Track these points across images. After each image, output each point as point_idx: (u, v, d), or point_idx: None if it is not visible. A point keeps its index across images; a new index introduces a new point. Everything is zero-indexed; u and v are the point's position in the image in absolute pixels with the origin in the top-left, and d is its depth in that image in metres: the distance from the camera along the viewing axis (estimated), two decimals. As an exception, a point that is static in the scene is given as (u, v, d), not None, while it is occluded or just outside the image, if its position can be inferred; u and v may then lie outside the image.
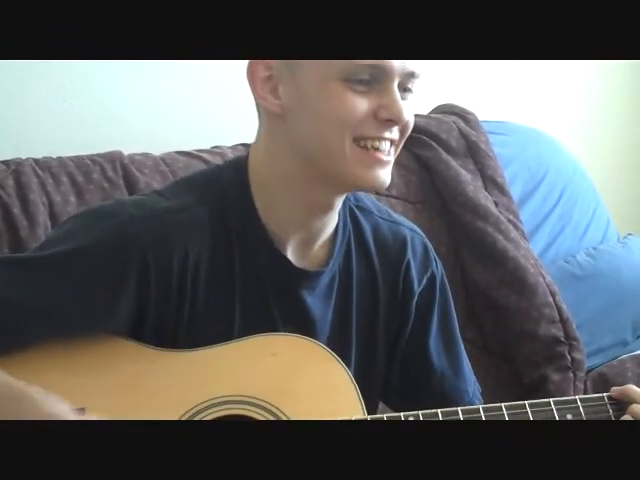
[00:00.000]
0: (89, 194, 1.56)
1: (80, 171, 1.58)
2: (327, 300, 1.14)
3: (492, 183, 1.92)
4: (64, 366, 1.03)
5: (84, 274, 1.02)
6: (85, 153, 1.63)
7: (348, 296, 1.16)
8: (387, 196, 1.82)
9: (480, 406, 1.05)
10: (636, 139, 2.63)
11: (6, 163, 1.55)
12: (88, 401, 1.01)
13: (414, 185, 1.88)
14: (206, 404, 1.03)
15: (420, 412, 1.03)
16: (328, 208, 1.10)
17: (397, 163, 1.85)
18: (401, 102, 1.03)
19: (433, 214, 1.87)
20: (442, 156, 1.89)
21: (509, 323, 1.79)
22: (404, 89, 1.04)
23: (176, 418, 1.02)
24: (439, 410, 1.03)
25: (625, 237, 2.17)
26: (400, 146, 1.08)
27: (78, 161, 1.60)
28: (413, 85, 1.05)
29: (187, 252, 1.05)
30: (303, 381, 1.06)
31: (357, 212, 1.19)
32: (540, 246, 1.98)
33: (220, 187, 1.10)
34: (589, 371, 1.81)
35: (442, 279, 1.24)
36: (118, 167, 1.62)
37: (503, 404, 1.04)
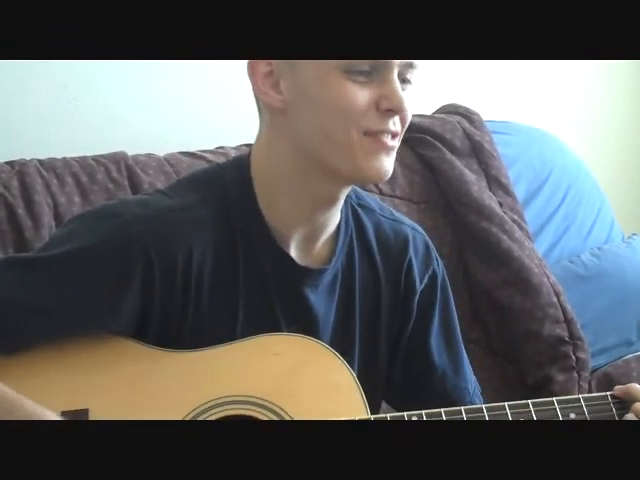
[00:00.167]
0: (93, 195, 1.57)
1: (84, 172, 1.59)
2: (330, 298, 1.15)
3: (496, 183, 1.92)
4: (68, 366, 1.04)
5: (88, 274, 1.03)
6: (89, 154, 1.64)
7: (351, 294, 1.16)
8: (391, 196, 1.83)
9: (483, 405, 1.05)
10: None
11: (11, 164, 1.55)
12: (91, 401, 1.01)
13: (418, 185, 1.88)
14: (209, 404, 1.03)
15: (423, 412, 1.03)
16: (331, 203, 1.10)
17: (401, 163, 1.87)
18: (401, 91, 1.03)
19: (437, 214, 1.86)
20: (446, 156, 1.89)
21: (513, 323, 1.79)
22: (403, 80, 1.04)
23: (179, 418, 1.02)
24: (442, 410, 1.03)
25: (630, 237, 2.16)
26: (401, 138, 1.08)
27: (82, 162, 1.61)
28: (412, 76, 1.06)
29: (191, 251, 1.05)
30: (306, 381, 1.06)
31: (359, 210, 1.19)
32: (544, 246, 1.98)
33: (222, 186, 1.10)
34: (594, 371, 1.80)
35: (443, 278, 1.24)
36: (122, 168, 1.62)
37: (506, 403, 1.04)
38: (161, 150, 1.71)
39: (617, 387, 1.09)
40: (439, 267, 1.24)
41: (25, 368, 1.01)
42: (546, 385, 1.73)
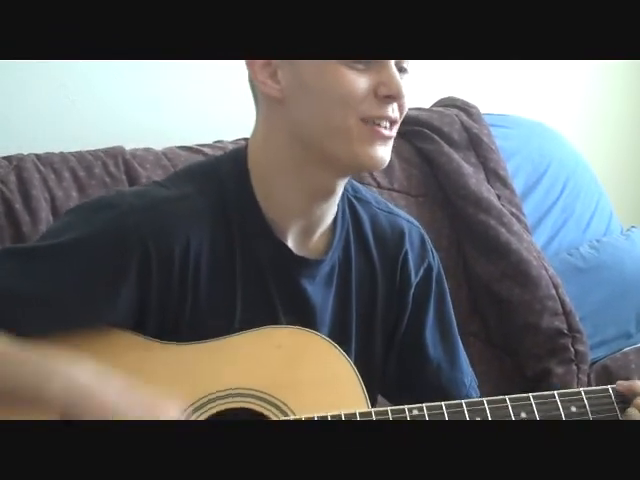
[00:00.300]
0: (91, 189, 1.56)
1: (82, 166, 1.59)
2: (327, 289, 1.15)
3: (494, 176, 1.92)
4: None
5: (85, 264, 1.02)
6: (87, 149, 1.63)
7: (348, 286, 1.16)
8: (389, 189, 1.83)
9: (484, 399, 1.05)
10: (638, 132, 2.63)
11: (8, 159, 1.55)
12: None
13: (416, 178, 1.88)
14: (209, 397, 1.03)
15: (424, 405, 1.03)
16: (328, 195, 1.10)
17: (399, 156, 1.87)
18: (399, 78, 1.03)
19: (435, 207, 1.86)
20: (444, 149, 1.89)
21: (512, 316, 1.79)
22: (400, 68, 1.05)
23: (179, 411, 1.02)
24: (443, 403, 1.04)
25: (628, 229, 2.16)
26: (397, 127, 1.08)
27: (80, 156, 1.61)
28: (408, 65, 1.06)
29: (188, 242, 1.05)
30: (307, 373, 1.06)
31: (355, 203, 1.20)
32: (543, 239, 1.98)
33: (219, 178, 1.10)
34: (592, 364, 1.80)
35: (439, 270, 1.24)
36: (120, 162, 1.62)
37: (507, 397, 1.04)
38: (159, 144, 1.71)
39: (620, 383, 1.09)
40: (434, 260, 1.24)
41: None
42: (545, 378, 1.73)
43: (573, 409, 1.05)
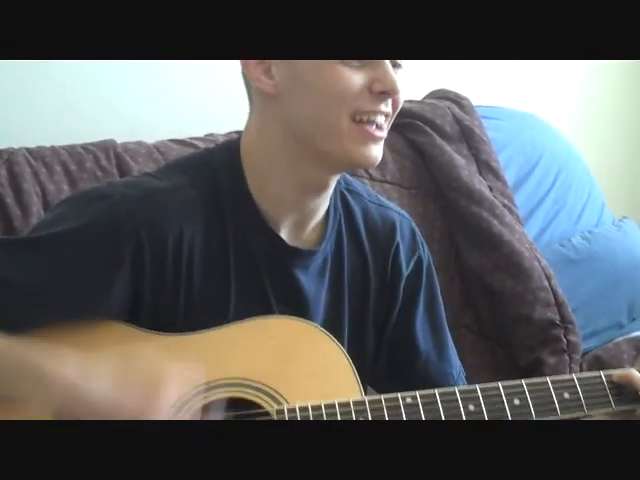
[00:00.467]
0: (82, 183, 1.56)
1: (73, 160, 1.58)
2: (320, 280, 1.15)
3: (486, 168, 1.92)
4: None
5: (78, 255, 1.02)
6: (78, 142, 1.63)
7: (340, 278, 1.16)
8: (381, 181, 1.83)
9: (478, 386, 1.05)
10: (630, 123, 2.63)
11: (-1, 153, 1.55)
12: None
13: (408, 170, 1.88)
14: (205, 386, 1.02)
15: (417, 392, 1.03)
16: (321, 189, 1.10)
17: (391, 149, 1.87)
18: (394, 74, 1.04)
19: (427, 199, 1.87)
20: (436, 141, 1.89)
21: (505, 307, 1.79)
22: (394, 64, 1.05)
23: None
24: (436, 390, 1.04)
25: (620, 220, 2.17)
26: (391, 121, 1.08)
27: (71, 150, 1.60)
28: (402, 60, 1.06)
29: (182, 232, 1.05)
30: (301, 363, 1.06)
31: (347, 195, 1.20)
32: (535, 230, 1.98)
33: (212, 169, 1.10)
34: (584, 354, 1.81)
35: (429, 263, 1.25)
36: (111, 156, 1.62)
37: (500, 383, 1.05)
38: (150, 138, 1.71)
39: (616, 372, 1.09)
40: (425, 252, 1.25)
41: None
42: (537, 368, 1.74)
43: (566, 395, 1.06)
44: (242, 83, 1.11)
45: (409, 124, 1.90)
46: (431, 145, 1.89)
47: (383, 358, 1.22)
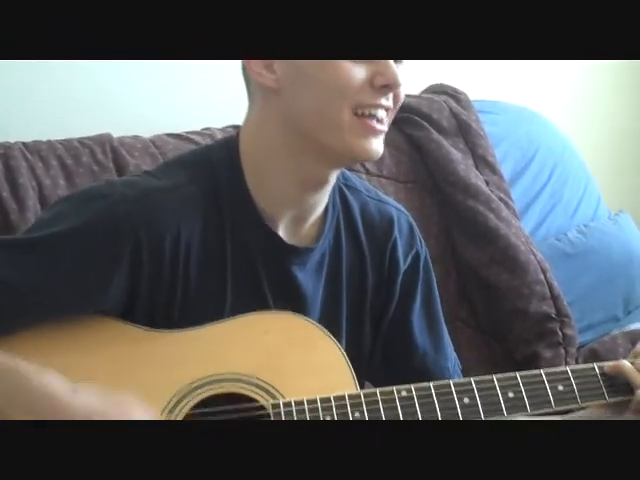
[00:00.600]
0: (79, 177, 1.56)
1: (69, 154, 1.58)
2: (318, 277, 1.15)
3: (483, 162, 1.92)
4: (55, 347, 1.03)
5: (77, 254, 1.02)
6: (74, 136, 1.63)
7: (338, 274, 1.16)
8: (378, 176, 1.83)
9: (472, 378, 1.05)
10: (626, 118, 2.64)
11: (-6, 147, 1.54)
12: (79, 381, 1.00)
13: (405, 165, 1.88)
14: (199, 382, 1.03)
15: (413, 386, 1.04)
16: (320, 185, 1.10)
17: (388, 143, 1.85)
18: (395, 68, 1.04)
19: (424, 194, 1.87)
20: (433, 136, 1.89)
21: (501, 301, 1.80)
22: None
23: (169, 397, 1.02)
24: (431, 383, 1.04)
25: (616, 214, 2.17)
26: (393, 116, 1.08)
27: (67, 144, 1.60)
28: None
29: (179, 231, 1.05)
30: (297, 358, 1.06)
31: (346, 191, 1.20)
32: (531, 224, 1.99)
33: (210, 166, 1.10)
34: (580, 347, 1.82)
35: (426, 258, 1.25)
36: (108, 150, 1.61)
37: (494, 376, 1.05)
38: (147, 132, 1.70)
39: (607, 364, 1.10)
40: (422, 247, 1.25)
41: (12, 350, 1.01)
42: (533, 362, 1.74)
43: (560, 387, 1.06)
44: (240, 77, 1.11)
45: (406, 118, 1.90)
46: (428, 139, 1.89)
47: (379, 353, 1.22)
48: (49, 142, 1.59)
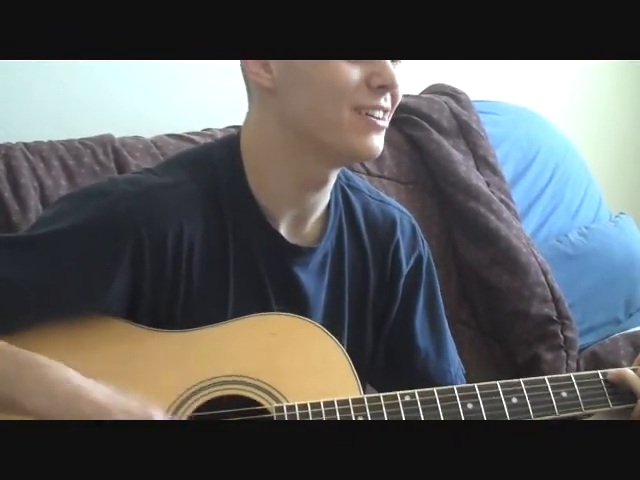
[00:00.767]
0: (80, 178, 1.56)
1: (71, 155, 1.58)
2: (320, 277, 1.15)
3: (484, 163, 1.92)
4: (59, 347, 1.02)
5: (78, 252, 1.02)
6: (76, 137, 1.62)
7: (340, 274, 1.16)
8: (379, 177, 1.83)
9: (476, 385, 1.05)
10: (628, 118, 2.64)
11: (-4, 148, 1.54)
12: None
13: (406, 166, 1.88)
14: (202, 384, 1.03)
15: (416, 391, 1.04)
16: (321, 184, 1.10)
17: (389, 144, 1.87)
18: (392, 68, 1.03)
19: (425, 194, 1.87)
20: (434, 136, 1.89)
21: (501, 303, 1.79)
22: None
23: (173, 398, 1.02)
24: (435, 389, 1.04)
25: (617, 216, 2.17)
26: (391, 115, 1.08)
27: (69, 145, 1.60)
28: None
29: (182, 228, 1.05)
30: (300, 360, 1.06)
31: (348, 191, 1.20)
32: (532, 226, 1.98)
33: (211, 165, 1.10)
34: (581, 350, 1.81)
35: (429, 260, 1.25)
36: (109, 150, 1.61)
37: (498, 382, 1.05)
38: (148, 132, 1.70)
39: (610, 371, 1.10)
40: (425, 250, 1.25)
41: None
42: (534, 364, 1.74)
43: (564, 394, 1.06)
44: (240, 78, 1.11)
45: (406, 119, 1.90)
46: (428, 140, 1.89)
47: (381, 354, 1.22)
48: (50, 143, 1.59)
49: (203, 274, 1.07)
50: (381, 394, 1.04)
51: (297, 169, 1.08)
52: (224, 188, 1.09)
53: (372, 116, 1.04)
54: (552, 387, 1.06)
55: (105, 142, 1.62)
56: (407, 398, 1.03)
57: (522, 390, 1.05)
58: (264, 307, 1.10)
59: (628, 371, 1.09)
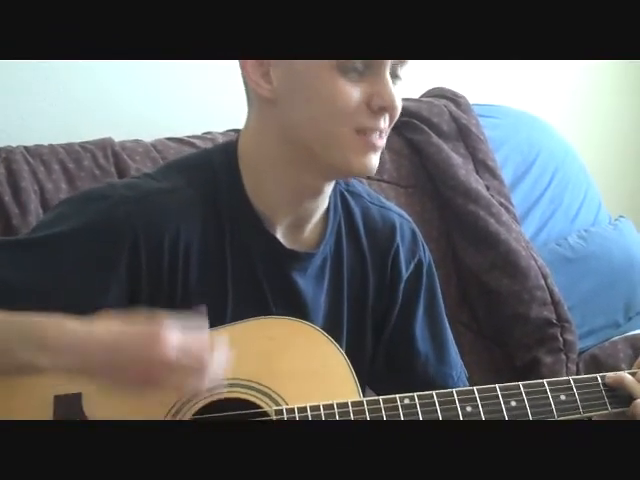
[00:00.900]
0: (80, 181, 1.56)
1: (71, 158, 1.58)
2: (319, 283, 1.15)
3: (483, 166, 1.92)
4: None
5: (77, 255, 1.03)
6: (76, 138, 1.63)
7: (339, 279, 1.17)
8: (378, 180, 1.83)
9: (475, 388, 1.06)
10: (627, 121, 2.64)
11: (-4, 151, 1.54)
12: (84, 385, 1.00)
13: (405, 169, 1.88)
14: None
15: (415, 394, 1.04)
16: (317, 193, 1.11)
17: (388, 148, 1.87)
18: (393, 90, 1.03)
19: (424, 198, 1.87)
20: (433, 140, 1.89)
21: (501, 306, 1.80)
22: (394, 75, 1.04)
23: (173, 401, 1.02)
24: (434, 392, 1.05)
25: (616, 219, 2.17)
26: (388, 132, 1.08)
27: (69, 148, 1.60)
28: (402, 72, 1.06)
29: (179, 232, 1.05)
30: (300, 363, 1.06)
31: (347, 196, 1.20)
32: (532, 229, 1.99)
33: (210, 170, 1.10)
34: (581, 353, 1.82)
35: (429, 265, 1.25)
36: (109, 154, 1.62)
37: (497, 385, 1.05)
38: (148, 136, 1.71)
39: (609, 375, 1.10)
40: (425, 254, 1.24)
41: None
42: (534, 367, 1.75)
43: (562, 397, 1.06)
44: (241, 81, 1.11)
45: (406, 123, 1.90)
46: (428, 143, 1.89)
47: (381, 359, 1.22)
48: (51, 146, 1.59)
49: (201, 279, 1.07)
50: (380, 397, 1.04)
51: (293, 178, 1.08)
52: (222, 193, 1.09)
53: (371, 136, 1.04)
54: (551, 390, 1.06)
55: (105, 146, 1.63)
56: (406, 401, 1.04)
57: (521, 393, 1.05)
58: (263, 312, 1.10)
59: (627, 376, 1.09)
